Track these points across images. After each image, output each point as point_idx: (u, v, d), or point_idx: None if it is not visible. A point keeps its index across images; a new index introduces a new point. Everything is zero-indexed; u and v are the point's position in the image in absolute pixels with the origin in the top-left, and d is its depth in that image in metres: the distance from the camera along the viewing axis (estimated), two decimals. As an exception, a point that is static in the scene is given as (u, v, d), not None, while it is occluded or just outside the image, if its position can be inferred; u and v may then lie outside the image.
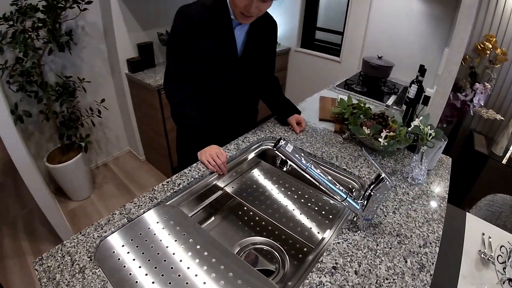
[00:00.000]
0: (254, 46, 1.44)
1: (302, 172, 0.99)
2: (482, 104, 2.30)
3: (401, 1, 2.73)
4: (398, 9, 2.78)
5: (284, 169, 1.49)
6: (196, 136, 1.39)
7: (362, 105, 1.73)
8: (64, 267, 0.92)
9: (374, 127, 1.41)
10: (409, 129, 1.34)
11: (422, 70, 1.56)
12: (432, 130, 1.28)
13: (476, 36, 2.32)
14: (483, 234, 1.31)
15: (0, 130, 1.84)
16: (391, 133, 1.37)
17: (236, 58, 1.41)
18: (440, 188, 1.31)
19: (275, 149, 0.98)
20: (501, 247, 1.25)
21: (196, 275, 0.91)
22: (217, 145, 1.39)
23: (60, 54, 2.54)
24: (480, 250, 1.23)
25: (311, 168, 0.99)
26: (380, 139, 1.37)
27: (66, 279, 0.89)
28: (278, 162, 1.52)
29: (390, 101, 2.18)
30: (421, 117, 1.35)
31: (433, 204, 1.21)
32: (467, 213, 1.45)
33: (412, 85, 1.59)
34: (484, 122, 2.63)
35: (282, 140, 0.98)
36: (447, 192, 1.30)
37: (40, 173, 2.21)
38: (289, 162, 0.99)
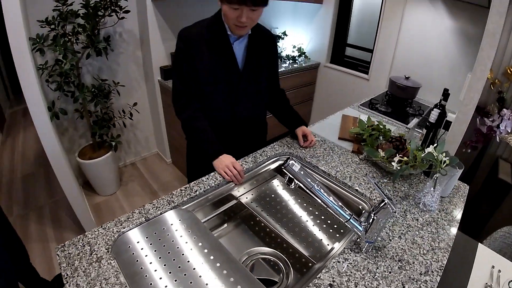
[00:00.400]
0: (254, 59, 1.48)
1: (307, 190, 1.04)
2: (509, 131, 2.25)
3: (432, 21, 2.71)
4: (428, 28, 2.76)
5: (291, 186, 1.55)
6: (208, 148, 1.44)
7: (382, 126, 1.74)
8: (83, 256, 1.01)
9: (388, 150, 1.42)
10: (423, 155, 1.33)
11: (445, 94, 1.54)
12: (447, 158, 1.26)
13: (507, 59, 2.27)
14: (493, 267, 1.26)
15: (37, 125, 1.97)
16: (405, 158, 1.38)
17: (238, 72, 1.45)
18: (452, 216, 1.28)
19: (283, 167, 1.04)
20: (509, 282, 1.19)
21: (200, 276, 0.98)
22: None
23: (98, 58, 2.68)
24: (487, 283, 1.18)
25: (316, 188, 1.03)
26: (393, 163, 1.38)
27: (83, 266, 0.98)
28: (286, 179, 1.58)
29: (412, 124, 2.17)
30: (435, 144, 1.35)
31: (442, 232, 1.19)
32: (479, 244, 1.40)
33: (435, 109, 1.57)
34: (511, 150, 2.57)
35: (289, 160, 1.03)
36: (459, 221, 1.26)
37: (71, 167, 2.34)
38: (295, 181, 1.04)
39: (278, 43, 3.80)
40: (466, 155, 1.92)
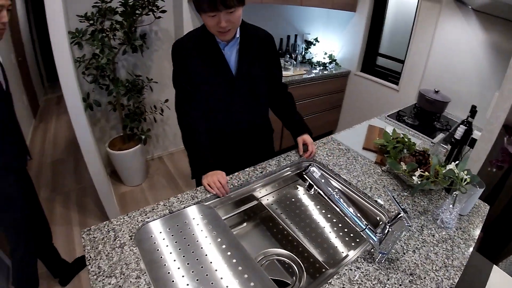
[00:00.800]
0: (247, 62, 1.45)
1: (325, 197, 1.07)
2: (538, 152, 2.20)
3: (465, 35, 2.67)
4: (461, 42, 2.72)
5: (311, 192, 1.57)
6: (199, 163, 1.44)
7: (406, 139, 1.73)
8: (107, 240, 1.08)
9: (410, 164, 1.42)
10: (444, 171, 1.32)
11: (473, 111, 1.52)
12: (468, 176, 1.25)
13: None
14: (505, 290, 1.24)
15: (72, 114, 2.08)
16: (426, 173, 1.38)
17: (232, 76, 1.44)
18: (468, 235, 1.26)
19: (304, 173, 1.07)
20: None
21: (216, 270, 1.03)
22: (224, 168, 1.43)
23: (133, 54, 2.78)
24: (496, 306, 1.16)
25: (335, 196, 1.06)
26: (414, 177, 1.38)
27: (107, 250, 1.05)
28: (306, 185, 1.60)
29: (438, 139, 2.15)
30: (457, 161, 1.34)
31: (457, 250, 1.17)
32: (494, 266, 1.39)
33: (461, 125, 1.56)
34: (538, 172, 2.50)
35: (311, 166, 1.07)
36: (475, 240, 1.24)
37: (100, 156, 2.45)
38: (315, 187, 1.07)
39: (309, 49, 3.82)
40: (490, 174, 1.88)
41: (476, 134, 1.78)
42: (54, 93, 6.14)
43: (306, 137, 1.64)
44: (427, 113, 2.55)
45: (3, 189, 1.58)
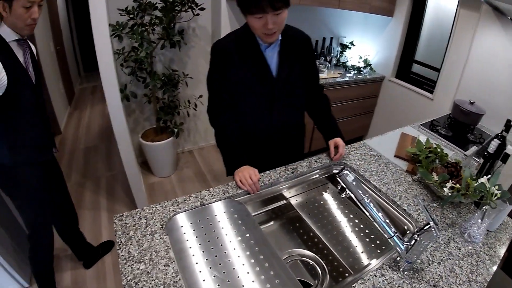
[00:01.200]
0: (288, 64, 1.44)
1: (357, 201, 1.07)
2: None
3: (503, 46, 2.59)
4: (498, 53, 2.63)
5: (343, 195, 1.57)
6: (232, 159, 1.46)
7: (439, 150, 1.71)
8: (139, 227, 1.13)
9: (442, 175, 1.40)
10: (475, 185, 1.30)
11: (507, 126, 1.49)
12: (499, 191, 1.23)
13: None
14: (526, 312, 1.22)
15: (109, 103, 2.15)
16: (457, 185, 1.36)
17: (272, 79, 1.43)
18: (494, 252, 1.23)
19: (337, 176, 1.08)
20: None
21: (243, 264, 1.06)
22: (255, 166, 1.45)
23: (171, 49, 2.85)
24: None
25: (366, 201, 1.06)
26: (445, 188, 1.37)
27: (137, 236, 1.10)
28: (338, 188, 1.60)
29: (471, 151, 2.10)
30: (489, 176, 1.32)
31: (482, 266, 1.15)
32: None
33: (495, 139, 1.53)
34: None
35: (345, 170, 1.08)
36: (500, 258, 1.22)
37: (133, 146, 2.53)
38: (347, 191, 1.08)
39: (344, 52, 3.80)
40: None
41: (509, 149, 1.74)
42: (90, 83, 6.35)
43: (338, 140, 1.63)
44: (461, 125, 2.49)
45: (26, 181, 1.64)
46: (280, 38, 1.38)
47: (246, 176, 1.36)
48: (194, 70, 3.15)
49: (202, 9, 2.62)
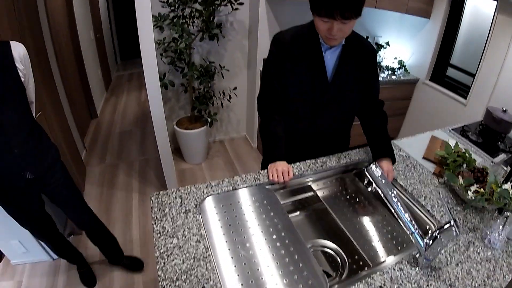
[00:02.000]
0: (346, 71, 1.40)
1: (382, 196, 1.12)
2: None
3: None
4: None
5: (369, 189, 1.60)
6: (272, 151, 1.47)
7: (468, 155, 1.72)
8: (174, 205, 1.23)
9: (467, 179, 1.41)
10: (498, 191, 1.31)
11: None
12: None
13: None
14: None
15: (149, 90, 2.26)
16: (482, 190, 1.37)
17: (326, 83, 1.40)
18: None
19: (365, 169, 1.13)
20: None
21: (268, 247, 1.14)
22: (288, 159, 1.47)
23: (209, 41, 2.95)
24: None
25: (391, 195, 1.11)
26: (469, 192, 1.38)
27: (172, 213, 1.20)
28: (365, 182, 1.63)
29: (499, 159, 2.08)
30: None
31: (499, 272, 1.15)
32: None
33: None
34: None
35: (373, 164, 1.12)
36: None
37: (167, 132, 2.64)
38: (374, 185, 1.13)
39: (379, 52, 3.77)
40: None
41: None
42: (126, 71, 6.57)
43: (385, 164, 1.50)
44: (492, 132, 2.45)
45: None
46: (343, 43, 1.35)
47: (279, 173, 1.39)
48: (230, 62, 3.23)
49: (241, 3, 2.70)
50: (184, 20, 2.62)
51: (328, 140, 1.64)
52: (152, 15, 2.14)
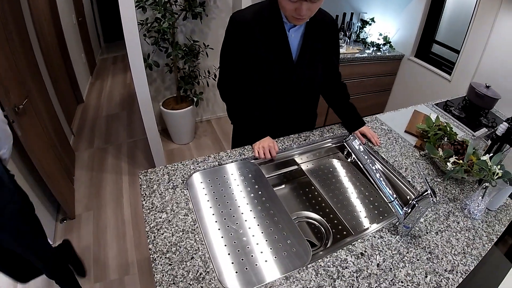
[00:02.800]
0: (310, 49, 1.36)
1: (361, 165, 1.16)
2: None
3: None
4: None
5: (349, 160, 1.64)
6: (252, 132, 1.48)
7: (449, 128, 1.75)
8: (161, 182, 1.26)
9: (447, 151, 1.45)
10: (476, 162, 1.34)
11: None
12: (501, 171, 1.26)
13: None
14: (519, 292, 1.24)
15: (134, 72, 2.25)
16: (460, 161, 1.41)
17: (291, 63, 1.36)
18: (492, 230, 1.26)
19: (344, 141, 1.16)
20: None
21: (254, 217, 1.18)
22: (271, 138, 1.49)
23: (192, 20, 2.92)
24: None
25: (369, 165, 1.15)
26: (448, 163, 1.41)
27: (160, 189, 1.22)
28: (345, 153, 1.67)
29: (480, 133, 2.13)
30: (491, 154, 1.36)
31: (478, 241, 1.19)
32: None
33: (504, 123, 1.56)
34: None
35: (351, 136, 1.16)
36: (498, 236, 1.24)
37: (154, 113, 2.64)
38: (353, 156, 1.17)
39: (364, 28, 3.78)
40: None
41: None
42: (110, 54, 6.46)
43: (363, 129, 1.65)
44: (475, 107, 2.50)
45: None
46: (307, 20, 1.29)
47: (265, 149, 1.42)
48: (215, 41, 3.20)
49: (224, -19, 2.68)
50: (166, 0, 2.59)
51: (297, 119, 1.62)
52: (134, -5, 2.12)
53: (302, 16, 1.16)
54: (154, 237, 1.04)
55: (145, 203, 1.16)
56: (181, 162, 1.36)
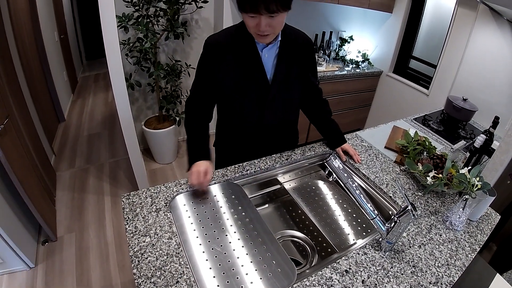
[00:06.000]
0: (285, 67, 1.37)
1: (342, 185, 1.18)
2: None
3: (498, 45, 2.68)
4: (493, 52, 2.72)
5: (330, 179, 1.66)
6: (191, 155, 1.43)
7: (427, 143, 1.79)
8: (144, 205, 1.25)
9: (426, 165, 1.49)
10: (455, 175, 1.38)
11: (495, 122, 1.55)
12: (480, 182, 1.30)
13: None
14: (504, 299, 1.26)
15: (115, 91, 2.25)
16: (440, 175, 1.44)
17: (266, 83, 1.36)
18: (475, 240, 1.29)
19: (325, 161, 1.18)
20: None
21: (238, 239, 1.18)
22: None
23: (174, 40, 2.94)
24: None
25: (350, 184, 1.17)
26: (428, 178, 1.45)
27: (143, 213, 1.21)
28: (326, 172, 1.68)
29: (458, 145, 2.19)
30: (470, 167, 1.40)
31: (461, 252, 1.21)
32: (497, 274, 1.43)
33: (482, 134, 1.60)
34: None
35: (331, 156, 1.17)
36: (480, 246, 1.27)
37: (136, 133, 2.61)
38: (334, 175, 1.18)
39: (343, 46, 3.86)
40: (510, 187, 1.90)
41: (496, 144, 1.80)
42: (92, 71, 6.41)
43: (346, 146, 1.67)
44: (453, 120, 2.56)
45: None
46: (279, 39, 1.31)
47: (200, 175, 1.33)
48: (196, 60, 3.08)
49: (205, 1, 2.72)
50: (148, 20, 2.60)
51: (276, 137, 1.61)
52: (116, 15, 2.12)
53: (263, 31, 1.16)
54: (138, 261, 1.03)
55: (128, 226, 1.15)
56: (163, 185, 1.35)
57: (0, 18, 2.53)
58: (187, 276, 1.00)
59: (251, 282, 1.04)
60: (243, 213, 1.27)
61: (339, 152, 1.67)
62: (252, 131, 1.53)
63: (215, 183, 1.41)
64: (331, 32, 3.77)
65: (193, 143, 1.47)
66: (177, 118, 3.10)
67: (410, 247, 1.20)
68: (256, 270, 1.08)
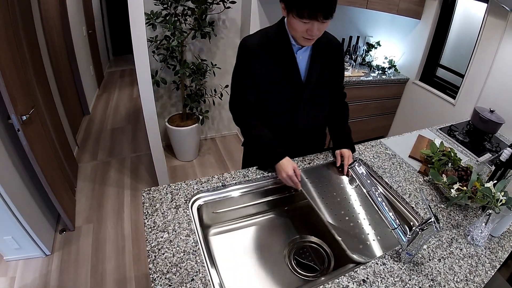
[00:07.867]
0: (318, 69, 1.42)
1: (365, 192, 1.16)
2: None
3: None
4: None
5: (352, 186, 1.64)
6: (269, 153, 1.42)
7: (453, 154, 1.75)
8: (164, 201, 1.26)
9: (451, 177, 1.45)
10: (480, 188, 1.34)
11: None
12: (505, 197, 1.26)
13: None
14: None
15: (141, 87, 2.28)
16: (464, 188, 1.40)
17: (300, 83, 1.41)
18: (496, 256, 1.25)
19: (349, 167, 1.17)
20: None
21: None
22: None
23: (201, 39, 2.96)
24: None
25: (373, 192, 1.14)
26: (452, 190, 1.41)
27: (163, 208, 1.22)
28: (349, 179, 1.66)
29: (484, 158, 2.13)
30: (495, 181, 1.36)
31: (481, 268, 1.18)
32: None
33: (508, 148, 1.55)
34: None
35: (356, 162, 1.16)
36: (501, 263, 1.23)
37: (159, 129, 2.65)
38: (357, 182, 1.17)
39: (370, 52, 3.81)
40: None
41: None
42: (118, 67, 6.55)
43: (344, 151, 1.59)
44: (479, 132, 2.50)
45: None
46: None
47: (292, 176, 1.36)
48: (222, 60, 3.25)
49: (233, 2, 2.72)
50: (176, 18, 2.63)
51: (307, 139, 1.64)
52: (145, 13, 2.15)
53: (313, 36, 1.22)
54: (155, 256, 1.04)
55: (147, 221, 1.16)
56: (184, 182, 1.36)
57: (30, 12, 2.61)
58: (202, 274, 1.00)
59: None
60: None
61: (337, 154, 1.62)
62: (283, 133, 1.54)
63: (235, 183, 1.41)
64: (358, 37, 3.73)
65: (268, 141, 1.45)
66: (200, 117, 3.14)
67: (429, 260, 1.17)
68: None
